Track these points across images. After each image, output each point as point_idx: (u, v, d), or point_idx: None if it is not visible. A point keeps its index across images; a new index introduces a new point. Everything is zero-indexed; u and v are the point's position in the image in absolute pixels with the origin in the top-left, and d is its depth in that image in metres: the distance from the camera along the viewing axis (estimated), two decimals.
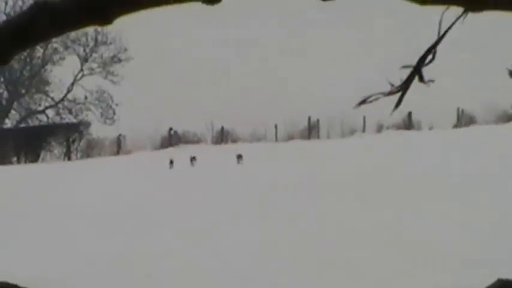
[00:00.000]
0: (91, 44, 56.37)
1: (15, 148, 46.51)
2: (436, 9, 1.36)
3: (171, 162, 32.33)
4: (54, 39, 44.92)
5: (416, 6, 1.34)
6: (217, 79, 58.73)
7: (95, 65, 57.04)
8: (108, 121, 56.22)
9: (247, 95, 54.60)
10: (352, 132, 48.01)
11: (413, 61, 1.42)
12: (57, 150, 48.86)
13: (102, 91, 56.85)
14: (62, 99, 57.00)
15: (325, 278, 10.71)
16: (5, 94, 56.26)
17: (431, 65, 1.42)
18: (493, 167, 21.73)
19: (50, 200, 21.55)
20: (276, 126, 48.57)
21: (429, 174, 21.48)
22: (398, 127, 47.07)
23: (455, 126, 48.20)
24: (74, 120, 54.90)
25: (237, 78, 58.10)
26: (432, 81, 1.43)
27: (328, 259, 11.64)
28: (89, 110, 56.90)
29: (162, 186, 24.01)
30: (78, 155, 47.98)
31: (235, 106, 50.77)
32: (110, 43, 56.34)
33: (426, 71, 1.41)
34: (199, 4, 1.31)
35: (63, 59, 56.74)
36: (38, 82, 56.78)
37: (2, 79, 55.88)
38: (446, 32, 1.44)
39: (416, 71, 1.43)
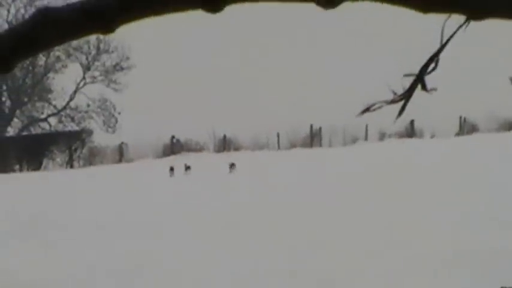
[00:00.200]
0: (93, 52, 56.45)
1: (17, 156, 46.51)
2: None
3: (172, 169, 32.63)
4: (56, 48, 45.05)
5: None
6: (219, 86, 58.74)
7: (97, 73, 57.13)
8: (110, 129, 56.26)
9: (250, 102, 54.61)
10: (355, 140, 47.97)
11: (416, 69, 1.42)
12: (60, 158, 48.85)
13: (105, 99, 56.91)
14: (65, 107, 57.04)
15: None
16: (8, 102, 56.32)
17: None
18: (495, 174, 21.71)
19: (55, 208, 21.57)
20: (278, 135, 48.55)
21: (430, 182, 21.47)
22: (400, 135, 47.03)
23: (458, 134, 48.17)
24: (77, 128, 54.90)
25: (240, 85, 58.10)
26: (435, 89, 1.43)
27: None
28: (91, 118, 56.95)
29: (160, 194, 24.14)
30: (81, 163, 47.98)
31: (237, 114, 50.77)
32: (112, 51, 56.45)
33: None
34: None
35: (65, 67, 56.81)
36: (41, 90, 56.82)
37: (4, 87, 55.94)
38: (448, 40, 1.44)
39: (419, 79, 1.43)
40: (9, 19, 54.19)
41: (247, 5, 1.34)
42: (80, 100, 56.94)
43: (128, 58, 56.41)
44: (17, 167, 46.52)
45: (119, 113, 56.44)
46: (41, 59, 54.84)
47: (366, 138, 48.34)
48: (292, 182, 24.42)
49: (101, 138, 51.28)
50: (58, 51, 53.96)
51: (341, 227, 15.26)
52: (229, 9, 1.33)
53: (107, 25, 1.34)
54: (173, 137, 48.42)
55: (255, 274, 11.44)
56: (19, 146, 46.90)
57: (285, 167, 31.17)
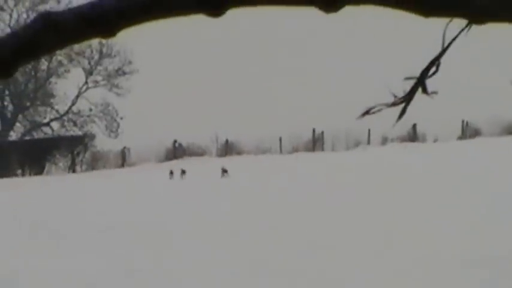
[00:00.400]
0: (96, 56, 56.44)
1: (20, 161, 46.52)
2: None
3: (171, 173, 33.07)
4: (58, 52, 45.09)
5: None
6: (222, 91, 58.76)
7: (99, 78, 57.12)
8: (112, 134, 56.26)
9: (252, 106, 54.64)
10: (357, 144, 47.96)
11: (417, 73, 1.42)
12: (62, 162, 48.87)
13: (107, 104, 56.87)
14: (67, 112, 57.02)
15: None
16: (10, 107, 56.33)
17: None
18: (497, 178, 21.69)
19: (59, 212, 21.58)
20: (280, 139, 48.55)
21: (432, 186, 21.47)
22: (403, 139, 47.00)
23: (460, 138, 48.15)
24: (79, 133, 54.89)
25: (242, 90, 58.12)
26: (435, 92, 1.43)
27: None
28: (94, 122, 56.93)
29: (158, 197, 24.28)
30: (83, 168, 48.00)
31: (239, 118, 50.79)
32: (115, 56, 56.43)
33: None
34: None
35: (67, 71, 56.80)
36: (43, 95, 56.82)
37: (6, 92, 55.96)
38: (450, 44, 1.44)
39: (420, 82, 1.43)
40: (12, 24, 54.24)
41: (249, 9, 1.34)
42: (83, 105, 56.96)
43: (130, 62, 56.43)
44: (20, 171, 46.54)
45: (121, 118, 56.42)
46: (44, 64, 54.87)
47: (368, 143, 48.34)
48: (293, 186, 24.41)
49: (103, 142, 51.32)
50: (60, 55, 54.00)
51: (343, 231, 15.25)
52: (232, 14, 1.33)
53: (108, 29, 1.34)
54: (175, 141, 48.44)
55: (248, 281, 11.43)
56: (21, 150, 46.93)
57: (287, 171, 31.16)
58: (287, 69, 59.78)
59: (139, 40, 35.17)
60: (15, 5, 55.15)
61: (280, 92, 57.44)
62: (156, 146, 47.19)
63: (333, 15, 1.35)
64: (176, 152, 47.98)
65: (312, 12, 1.33)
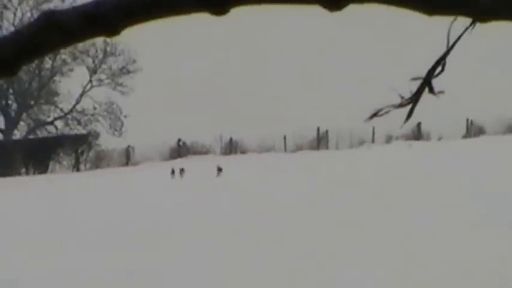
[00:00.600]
0: (100, 55, 56.45)
1: (23, 159, 46.54)
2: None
3: (173, 172, 33.22)
4: (62, 51, 45.12)
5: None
6: (226, 89, 58.77)
7: (103, 76, 57.12)
8: (116, 133, 56.29)
9: (256, 105, 54.65)
10: (361, 142, 47.94)
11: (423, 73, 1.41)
12: (66, 161, 48.91)
13: (111, 102, 56.92)
14: (71, 111, 57.05)
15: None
16: (14, 105, 56.37)
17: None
18: (502, 176, 21.66)
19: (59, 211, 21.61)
20: (284, 137, 48.55)
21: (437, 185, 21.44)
22: (407, 138, 46.96)
23: (465, 136, 48.10)
24: (83, 132, 54.92)
25: (247, 88, 58.13)
26: (442, 92, 1.43)
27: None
28: (98, 121, 56.96)
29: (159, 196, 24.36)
30: (87, 166, 48.04)
31: (244, 117, 50.80)
32: (119, 54, 56.45)
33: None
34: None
35: (72, 70, 56.82)
36: (47, 93, 56.85)
37: (10, 90, 56.00)
38: (455, 43, 1.43)
39: (426, 82, 1.42)
40: (16, 22, 54.28)
41: (253, 7, 1.34)
42: (87, 103, 57.00)
43: (134, 61, 56.44)
44: (23, 170, 46.57)
45: (125, 116, 56.46)
46: (48, 62, 54.88)
47: (372, 141, 48.32)
48: (298, 184, 24.39)
49: (107, 141, 51.37)
50: (64, 54, 54.02)
51: (346, 230, 15.24)
52: (235, 12, 1.33)
53: (111, 28, 1.34)
54: (179, 139, 48.47)
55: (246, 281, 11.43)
56: (25, 149, 46.96)
57: (291, 169, 31.14)
58: (291, 68, 59.78)
59: (143, 39, 35.19)
60: (19, 4, 55.19)
61: (285, 91, 57.43)
62: (160, 144, 47.23)
63: (337, 14, 1.34)
64: (180, 150, 48.00)
65: (316, 11, 1.33)
